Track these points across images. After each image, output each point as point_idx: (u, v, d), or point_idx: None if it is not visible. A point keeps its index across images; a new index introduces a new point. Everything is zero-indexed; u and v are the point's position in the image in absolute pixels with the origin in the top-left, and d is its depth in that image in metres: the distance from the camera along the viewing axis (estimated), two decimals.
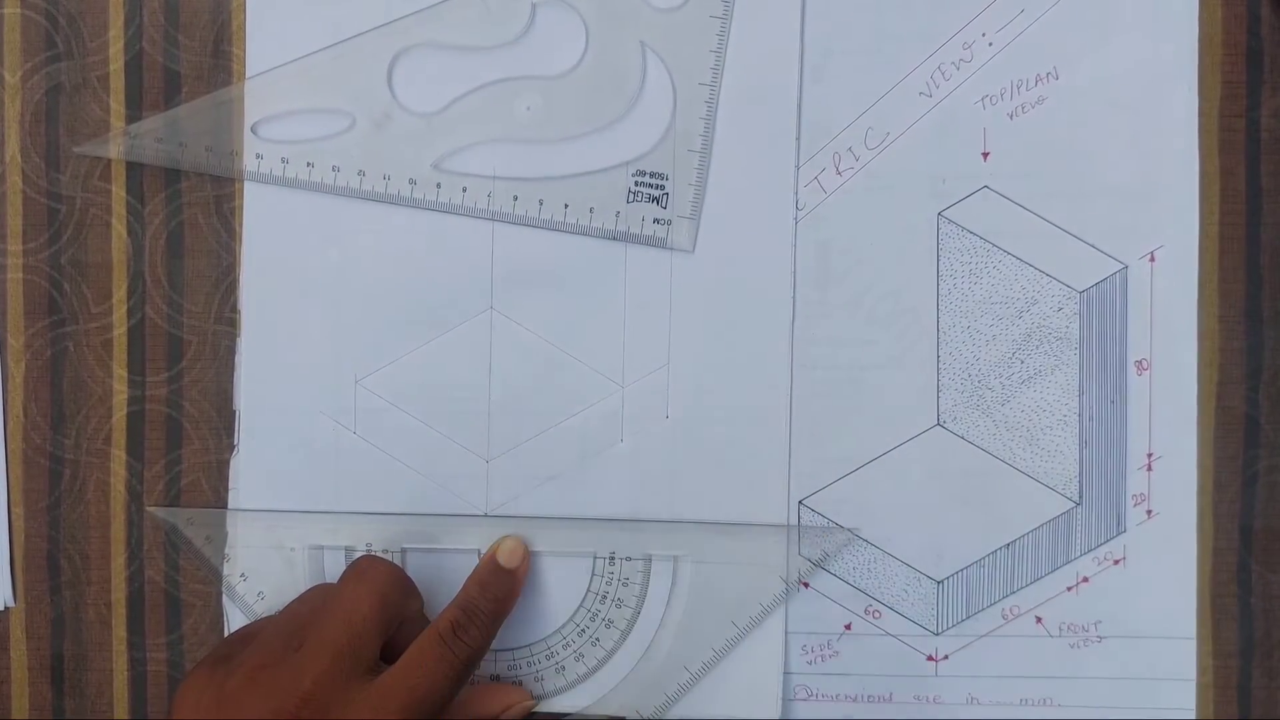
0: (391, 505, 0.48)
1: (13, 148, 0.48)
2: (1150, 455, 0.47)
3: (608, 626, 0.48)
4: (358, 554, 0.47)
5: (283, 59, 0.47)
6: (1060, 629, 0.47)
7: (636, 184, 0.47)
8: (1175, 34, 0.47)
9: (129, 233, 0.48)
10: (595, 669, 0.48)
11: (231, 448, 0.48)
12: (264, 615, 0.47)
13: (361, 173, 0.47)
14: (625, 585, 0.48)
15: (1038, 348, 0.47)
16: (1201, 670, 0.47)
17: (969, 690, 0.47)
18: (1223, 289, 0.47)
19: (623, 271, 0.47)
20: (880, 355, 0.47)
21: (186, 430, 0.48)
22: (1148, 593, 0.47)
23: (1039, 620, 0.47)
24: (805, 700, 0.48)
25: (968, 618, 0.47)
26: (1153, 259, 0.47)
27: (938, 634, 0.48)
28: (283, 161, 0.47)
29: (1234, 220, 0.47)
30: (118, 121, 0.48)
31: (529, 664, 0.48)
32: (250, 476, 0.48)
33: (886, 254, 0.47)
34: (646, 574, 0.48)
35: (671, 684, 0.47)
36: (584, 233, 0.47)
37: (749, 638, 0.47)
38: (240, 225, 0.48)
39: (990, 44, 0.47)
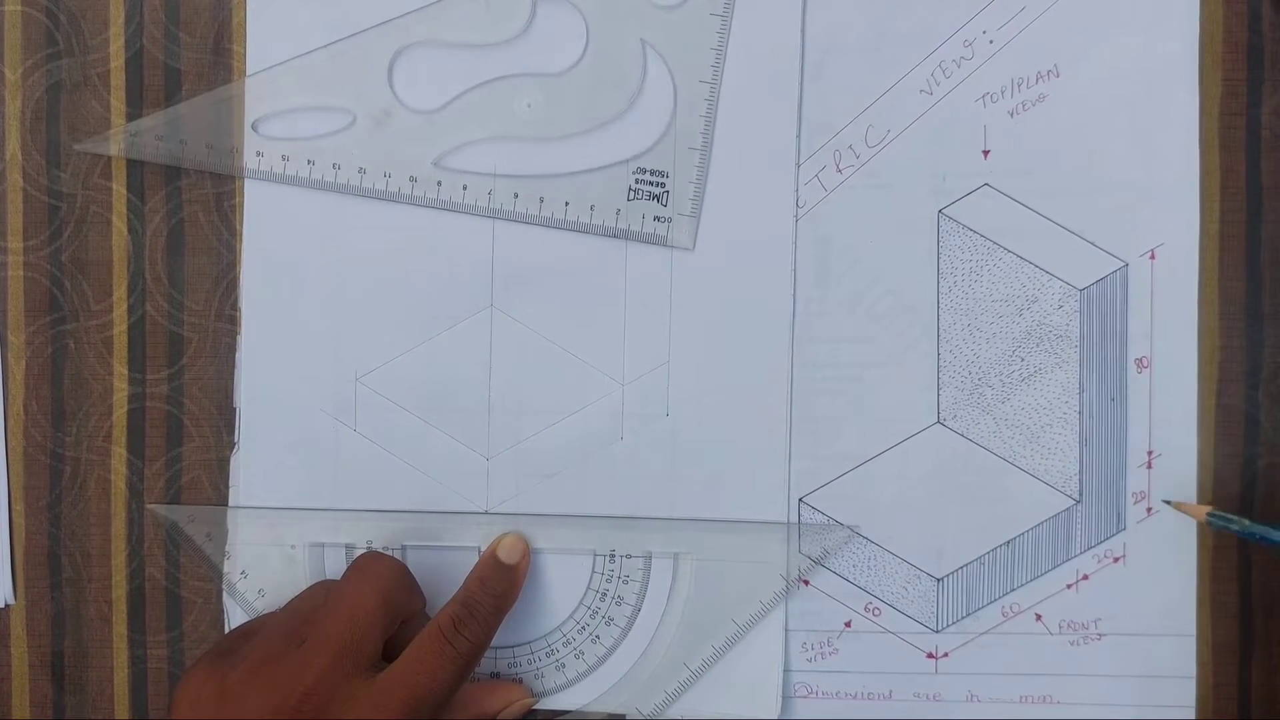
0: (392, 503, 0.48)
1: (13, 145, 0.48)
2: (1150, 453, 0.47)
3: (608, 624, 0.48)
4: (358, 551, 0.48)
5: (283, 56, 0.47)
6: (1060, 626, 0.47)
7: (637, 181, 0.47)
8: (1176, 31, 0.47)
9: (129, 230, 0.48)
10: (595, 666, 0.48)
11: (232, 445, 0.48)
12: (265, 612, 0.47)
13: (362, 170, 0.47)
14: (625, 583, 0.48)
15: (1038, 345, 0.47)
16: (1201, 668, 0.47)
17: (969, 688, 0.48)
18: (1223, 287, 0.47)
19: (623, 269, 0.47)
20: (880, 353, 0.47)
21: (187, 428, 0.48)
22: (1148, 590, 0.47)
23: (1039, 618, 0.47)
24: (805, 698, 0.48)
25: (968, 615, 0.47)
26: (1153, 256, 0.47)
27: (938, 631, 0.48)
28: (283, 159, 0.47)
29: (1234, 218, 0.47)
30: (118, 119, 0.48)
31: (529, 661, 0.48)
32: (251, 474, 0.48)
33: (887, 251, 0.47)
34: (647, 571, 0.48)
35: (672, 681, 0.48)
36: (584, 230, 0.47)
37: (749, 635, 0.47)
38: (240, 223, 0.48)
39: (991, 41, 0.47)
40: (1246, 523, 0.44)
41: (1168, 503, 0.45)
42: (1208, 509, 0.45)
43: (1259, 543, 0.44)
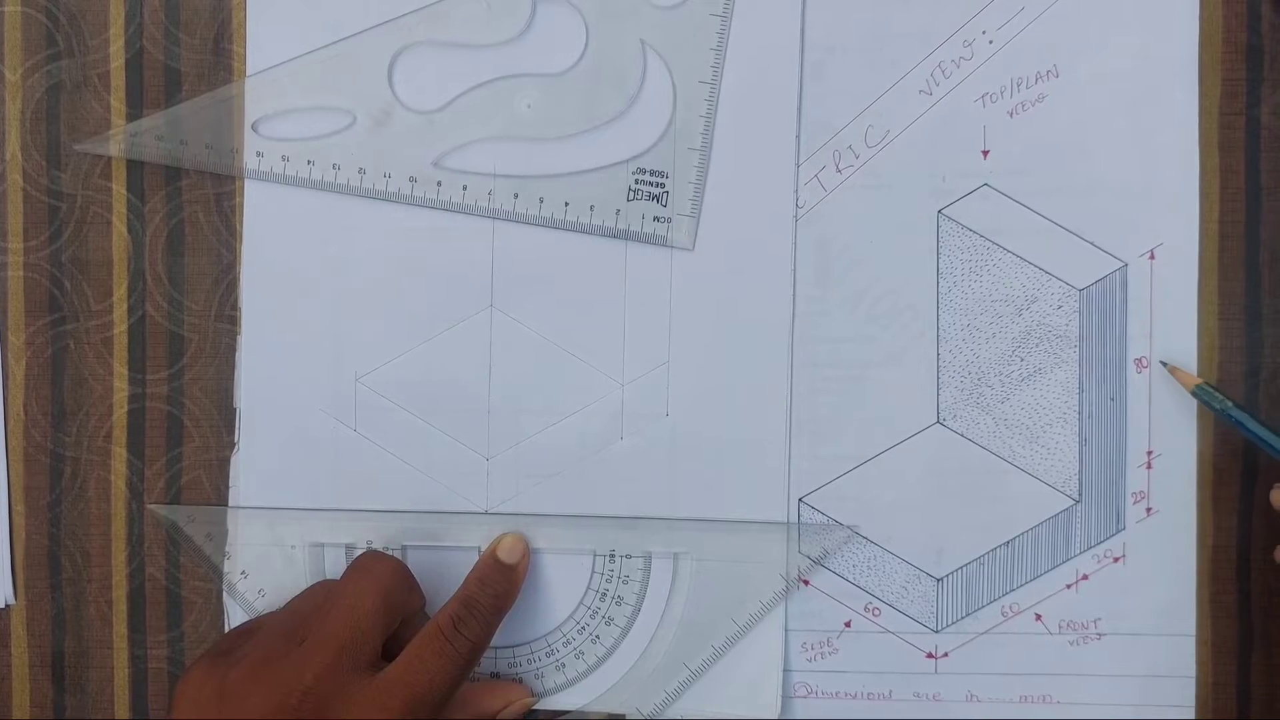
0: (392, 503, 0.48)
1: (13, 145, 0.48)
2: (1150, 453, 0.47)
3: (608, 624, 0.48)
4: (358, 551, 0.48)
5: (283, 57, 0.47)
6: (1060, 626, 0.47)
7: (637, 182, 0.47)
8: (1175, 31, 0.47)
9: (129, 230, 0.48)
10: (595, 666, 0.48)
11: (232, 445, 0.48)
12: (265, 612, 0.47)
13: (362, 170, 0.47)
14: (625, 583, 0.48)
15: (1037, 345, 0.47)
16: (1201, 668, 0.47)
17: (968, 687, 0.48)
18: (1222, 287, 0.47)
19: (623, 269, 0.47)
20: (880, 353, 0.47)
21: (187, 428, 0.48)
22: (1147, 590, 0.47)
23: (1038, 618, 0.47)
24: (805, 698, 0.48)
25: (967, 615, 0.48)
26: (1152, 257, 0.47)
27: (937, 631, 0.48)
28: (283, 159, 0.47)
29: (1234, 218, 0.47)
30: (118, 119, 0.48)
31: (529, 661, 0.48)
32: (251, 474, 0.48)
33: (886, 251, 0.47)
34: (647, 571, 0.48)
35: (671, 681, 0.48)
36: (584, 230, 0.47)
37: (749, 635, 0.47)
38: (240, 223, 0.48)
39: (990, 42, 0.47)
40: (1230, 404, 0.44)
41: (1164, 364, 0.46)
42: (1198, 381, 0.45)
43: (1235, 426, 0.44)
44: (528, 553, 0.47)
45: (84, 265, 0.48)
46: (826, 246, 0.47)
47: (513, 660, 0.48)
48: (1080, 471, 0.47)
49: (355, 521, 0.48)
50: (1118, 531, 0.47)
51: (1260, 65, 0.47)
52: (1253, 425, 0.44)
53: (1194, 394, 0.45)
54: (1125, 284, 0.47)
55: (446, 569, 0.47)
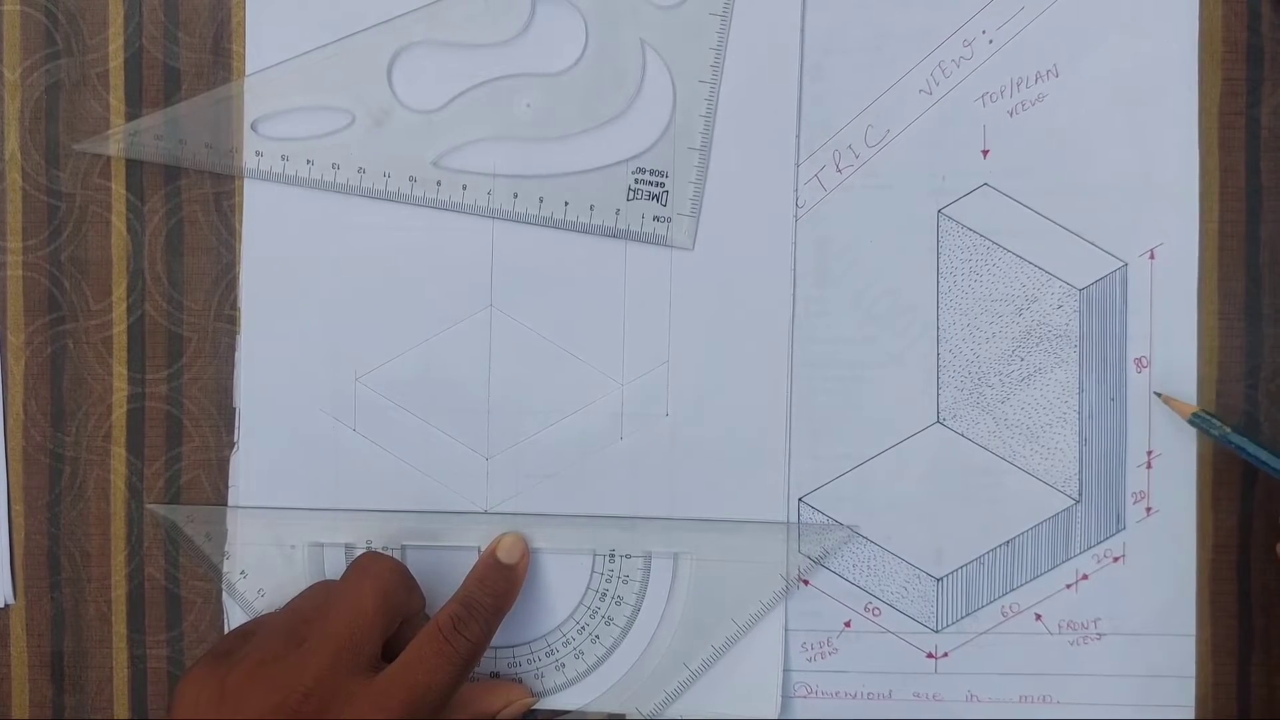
0: (391, 503, 0.48)
1: (12, 145, 0.48)
2: (1150, 453, 0.47)
3: (608, 624, 0.48)
4: (358, 551, 0.48)
5: (282, 56, 0.47)
6: (1060, 626, 0.47)
7: (636, 181, 0.47)
8: (1175, 31, 0.47)
9: (129, 230, 0.48)
10: (595, 666, 0.48)
11: (231, 445, 0.48)
12: (264, 613, 0.47)
13: (361, 170, 0.47)
14: (625, 583, 0.48)
15: (1037, 345, 0.47)
16: (1200, 668, 0.47)
17: (968, 687, 0.48)
18: (1222, 287, 0.47)
19: (622, 269, 0.47)
20: (880, 353, 0.47)
21: (186, 427, 0.48)
22: (1147, 590, 0.47)
23: (1038, 617, 0.47)
24: (805, 698, 0.48)
25: (967, 615, 0.48)
26: (1152, 256, 0.47)
27: (937, 631, 0.48)
28: (282, 159, 0.47)
29: (1233, 218, 0.47)
30: (117, 119, 0.48)
31: (529, 661, 0.48)
32: (250, 474, 0.48)
33: (886, 251, 0.47)
34: (646, 571, 0.48)
35: (671, 681, 0.48)
36: (584, 230, 0.47)
37: (749, 635, 0.47)
38: (240, 223, 0.48)
39: (990, 41, 0.47)
40: (1227, 429, 0.45)
41: (1158, 394, 0.46)
42: (1194, 409, 0.45)
43: (1235, 450, 0.45)
44: (527, 553, 0.47)
45: (83, 265, 0.48)
46: (826, 246, 0.47)
47: (512, 660, 0.48)
48: (1080, 471, 0.47)
49: (355, 521, 0.48)
50: (1118, 531, 0.47)
51: (1260, 65, 0.47)
52: (1252, 449, 0.44)
53: (1191, 422, 0.45)
54: (1125, 284, 0.47)
55: (446, 569, 0.47)
